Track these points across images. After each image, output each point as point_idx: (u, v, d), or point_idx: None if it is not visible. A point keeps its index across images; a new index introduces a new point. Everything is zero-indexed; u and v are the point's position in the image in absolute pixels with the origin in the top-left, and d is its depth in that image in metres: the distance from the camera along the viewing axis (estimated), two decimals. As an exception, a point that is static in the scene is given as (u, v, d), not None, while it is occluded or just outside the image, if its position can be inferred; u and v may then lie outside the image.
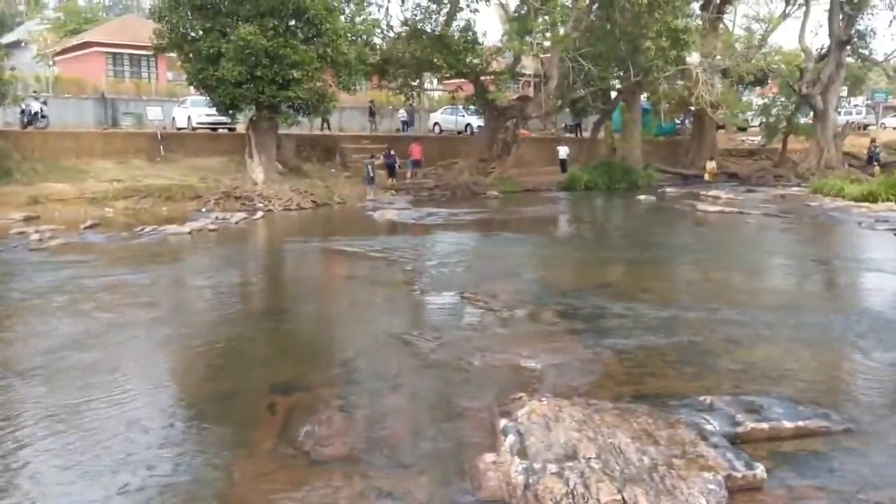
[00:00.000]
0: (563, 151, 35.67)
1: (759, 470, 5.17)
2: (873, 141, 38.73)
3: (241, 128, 28.24)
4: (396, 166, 29.83)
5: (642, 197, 28.87)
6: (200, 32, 23.34)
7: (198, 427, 6.29)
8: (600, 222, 24.70)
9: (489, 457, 5.38)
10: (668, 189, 32.92)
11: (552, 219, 24.29)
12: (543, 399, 6.24)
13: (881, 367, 7.97)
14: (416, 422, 6.31)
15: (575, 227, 23.14)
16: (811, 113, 38.06)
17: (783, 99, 40.60)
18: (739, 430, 5.94)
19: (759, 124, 44.33)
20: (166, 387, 7.36)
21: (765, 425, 6.02)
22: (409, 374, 7.68)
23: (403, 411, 6.56)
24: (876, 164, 36.33)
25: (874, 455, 5.71)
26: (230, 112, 25.27)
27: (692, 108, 34.91)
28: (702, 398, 6.64)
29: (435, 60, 27.66)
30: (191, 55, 23.65)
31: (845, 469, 5.48)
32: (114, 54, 39.17)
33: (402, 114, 38.83)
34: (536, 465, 4.96)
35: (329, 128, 36.26)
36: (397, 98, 34.86)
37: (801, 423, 6.08)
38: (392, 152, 29.94)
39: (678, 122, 44.72)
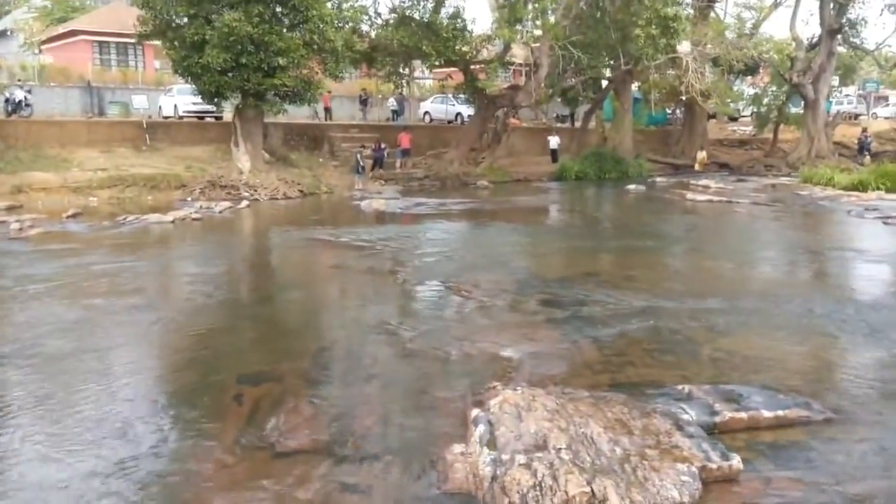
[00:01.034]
0: (553, 141, 35.49)
1: (735, 461, 5.03)
2: (864, 130, 38.68)
3: (228, 116, 27.95)
4: (384, 159, 29.60)
5: (632, 186, 28.77)
6: (185, 19, 23.06)
7: (161, 419, 6.10)
8: (590, 212, 24.55)
9: (458, 448, 5.22)
10: (658, 179, 32.87)
11: (542, 209, 24.14)
12: (517, 388, 6.08)
13: (865, 356, 7.86)
14: (386, 412, 6.14)
15: (564, 217, 23.00)
16: (802, 102, 37.97)
17: (774, 88, 40.50)
18: (717, 419, 5.80)
19: (751, 114, 44.23)
20: (132, 378, 7.13)
21: (743, 415, 5.87)
22: (384, 364, 7.51)
23: (374, 402, 6.39)
24: (867, 153, 36.30)
25: (854, 445, 5.57)
26: (216, 100, 24.99)
27: (683, 98, 34.71)
28: (680, 387, 6.50)
29: (424, 48, 27.36)
30: (175, 42, 23.35)
31: (824, 460, 5.34)
32: (100, 42, 38.77)
33: (391, 102, 38.59)
34: (505, 457, 4.81)
35: (330, 116, 36.05)
36: (387, 86, 34.62)
37: (780, 413, 5.94)
38: (383, 146, 29.72)
39: (669, 111, 44.57)
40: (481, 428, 5.28)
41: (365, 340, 8.44)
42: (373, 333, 8.71)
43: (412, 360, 7.65)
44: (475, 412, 5.64)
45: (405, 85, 34.83)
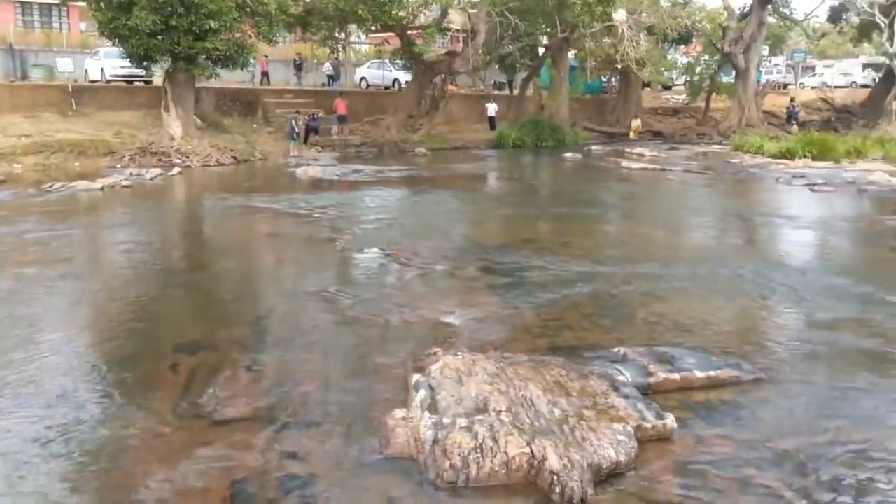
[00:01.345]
0: (491, 108, 35.51)
1: (669, 420, 5.17)
2: (792, 100, 39.73)
3: (158, 80, 27.14)
4: (319, 127, 29.18)
5: (569, 154, 29.07)
6: (111, -22, 22.21)
7: (95, 390, 5.95)
8: (527, 179, 24.68)
9: (399, 413, 5.24)
10: (594, 147, 33.23)
11: (480, 176, 24.20)
12: (458, 353, 6.11)
13: (792, 319, 8.13)
14: (326, 379, 6.11)
15: (502, 185, 23.11)
16: (733, 72, 38.72)
17: (706, 57, 41.23)
18: (651, 380, 5.94)
19: (684, 83, 44.98)
20: (65, 349, 6.93)
21: (676, 375, 6.02)
22: (323, 332, 7.47)
23: (314, 369, 6.35)
24: (795, 122, 37.32)
25: (782, 404, 5.77)
26: (145, 64, 24.22)
27: (618, 66, 35.07)
28: (616, 349, 6.63)
29: (359, 12, 26.90)
30: (101, 3, 22.45)
31: (754, 418, 5.52)
32: (22, 3, 37.10)
33: (327, 68, 38.03)
34: (446, 420, 4.84)
35: (268, 81, 35.49)
36: (322, 51, 34.11)
37: (712, 373, 6.11)
38: (318, 115, 29.28)
39: (605, 79, 45.00)
40: (422, 393, 5.30)
41: (303, 308, 8.37)
42: (311, 301, 8.63)
43: (352, 327, 7.62)
44: (416, 377, 5.66)
45: (341, 50, 34.34)
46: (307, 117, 28.83)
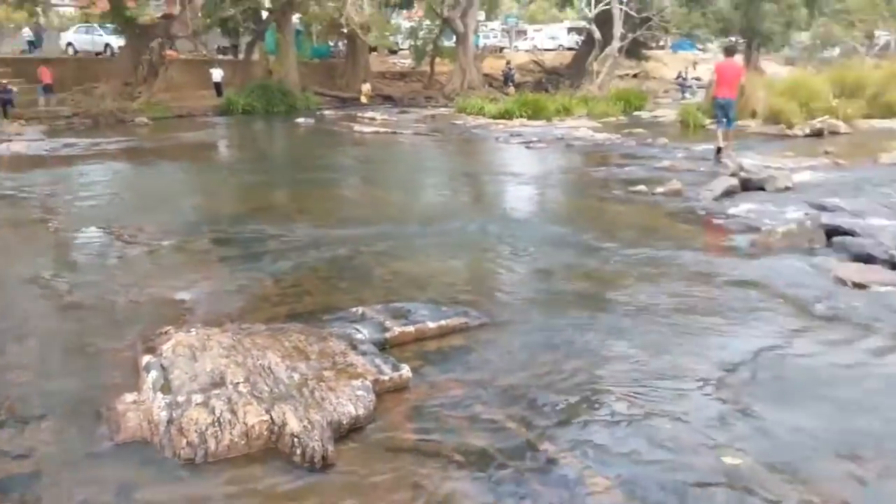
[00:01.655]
0: (216, 74, 34.23)
1: (405, 371, 5.40)
2: (508, 63, 42.41)
3: None
4: (12, 103, 26.39)
5: (301, 120, 28.91)
6: None
7: None
8: (260, 146, 24.20)
9: (130, 397, 4.97)
10: (326, 112, 33.27)
11: (209, 144, 23.32)
12: (191, 330, 5.91)
13: (515, 267, 8.75)
14: (46, 370, 5.63)
15: (233, 153, 22.46)
16: (454, 37, 40.48)
17: (428, 22, 42.69)
18: (388, 335, 6.15)
19: (409, 47, 46.28)
20: None
21: (411, 328, 6.29)
22: (40, 320, 6.85)
23: (31, 361, 5.81)
24: (511, 84, 39.92)
25: (506, 345, 6.22)
26: None
27: (344, 31, 35.23)
28: (354, 309, 6.77)
29: (59, -29, 24.63)
30: None
31: (481, 360, 5.90)
32: None
33: (26, 33, 34.42)
34: (180, 399, 4.68)
35: None
36: (19, 15, 30.82)
37: (443, 323, 6.44)
38: (9, 87, 26.43)
39: (332, 44, 45.04)
40: (154, 374, 5.07)
41: (14, 297, 7.61)
42: (23, 288, 7.87)
43: (73, 313, 7.07)
44: (146, 359, 5.40)
45: (41, 13, 31.21)
46: (-1, 89, 25.99)
